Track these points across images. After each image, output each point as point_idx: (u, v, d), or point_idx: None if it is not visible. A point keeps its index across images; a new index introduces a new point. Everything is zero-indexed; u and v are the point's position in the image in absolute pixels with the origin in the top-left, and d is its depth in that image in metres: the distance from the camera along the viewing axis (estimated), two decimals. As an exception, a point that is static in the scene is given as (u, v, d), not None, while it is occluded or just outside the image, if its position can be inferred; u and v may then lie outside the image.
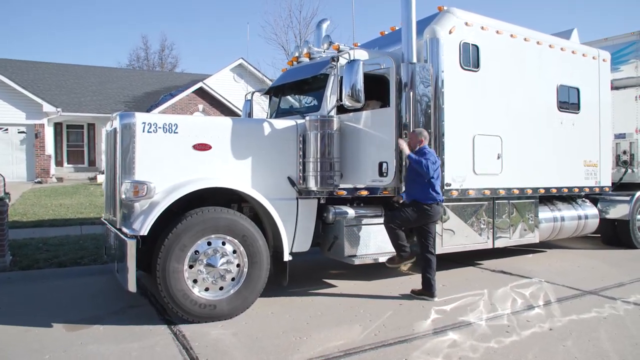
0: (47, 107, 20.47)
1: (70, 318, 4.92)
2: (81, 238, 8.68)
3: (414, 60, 5.99)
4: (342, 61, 5.64)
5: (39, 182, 19.86)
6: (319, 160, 5.48)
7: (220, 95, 24.42)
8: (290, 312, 5.14)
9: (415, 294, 5.68)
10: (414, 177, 5.53)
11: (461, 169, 6.47)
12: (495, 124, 6.87)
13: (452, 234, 6.50)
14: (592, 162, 8.39)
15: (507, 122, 7.02)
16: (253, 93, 7.83)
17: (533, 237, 7.56)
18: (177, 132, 5.04)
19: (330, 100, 5.76)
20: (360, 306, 5.34)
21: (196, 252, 4.79)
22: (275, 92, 7.13)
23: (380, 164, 5.92)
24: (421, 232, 5.68)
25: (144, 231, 4.56)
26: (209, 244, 4.86)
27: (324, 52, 6.57)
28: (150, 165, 4.87)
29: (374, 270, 6.70)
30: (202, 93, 24.54)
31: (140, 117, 4.90)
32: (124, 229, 4.73)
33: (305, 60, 6.61)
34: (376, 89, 6.02)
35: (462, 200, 6.57)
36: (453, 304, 5.43)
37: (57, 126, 23.77)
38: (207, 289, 4.84)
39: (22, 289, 6.04)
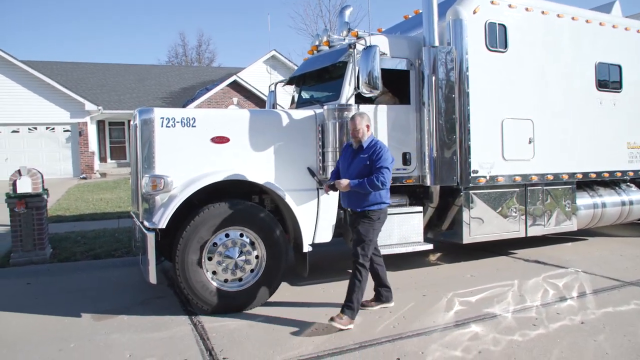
0: (89, 106, 21.25)
1: (99, 308, 5.09)
2: (117, 231, 8.97)
3: (436, 43, 5.79)
4: (360, 48, 5.50)
5: (84, 178, 20.70)
6: (337, 149, 5.38)
7: (254, 88, 24.63)
8: (309, 303, 5.11)
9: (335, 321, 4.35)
10: (362, 178, 4.48)
11: (489, 155, 6.22)
12: (526, 106, 6.55)
13: (481, 223, 6.28)
14: (637, 144, 7.88)
15: (540, 105, 6.68)
16: (276, 84, 7.79)
17: (570, 225, 7.19)
18: (195, 126, 5.07)
19: (348, 88, 5.64)
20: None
21: (214, 244, 4.83)
22: (296, 82, 7.07)
23: (404, 154, 5.87)
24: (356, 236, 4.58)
25: (162, 224, 4.63)
26: (227, 235, 4.89)
27: (344, 39, 6.44)
28: (169, 159, 4.92)
29: (400, 261, 6.56)
30: (236, 86, 24.85)
31: (158, 112, 4.96)
32: (145, 222, 4.82)
33: (325, 48, 6.51)
34: (397, 79, 5.89)
35: (490, 187, 6.32)
36: (479, 295, 5.26)
37: (100, 124, 24.70)
38: (226, 280, 4.89)
39: (59, 280, 6.30)
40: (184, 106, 23.59)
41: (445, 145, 5.85)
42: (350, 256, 4.52)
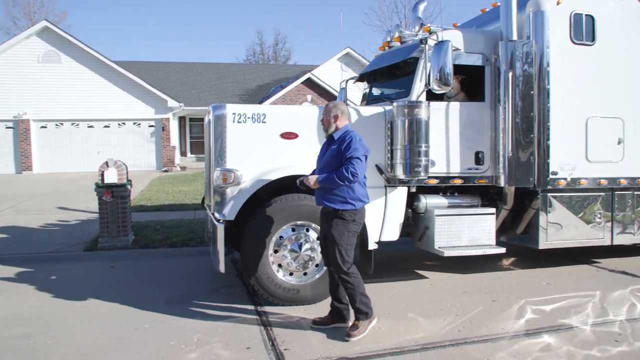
0: (171, 103, 22.51)
1: (172, 293, 5.39)
2: (192, 222, 9.41)
3: (514, 37, 5.51)
4: (432, 43, 5.36)
5: (166, 171, 21.97)
6: (407, 147, 5.28)
7: (328, 85, 24.81)
8: (373, 301, 5.00)
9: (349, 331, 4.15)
10: (334, 172, 4.11)
11: (570, 156, 5.82)
12: (616, 104, 6.04)
13: (559, 228, 5.89)
14: None
15: (632, 102, 6.13)
16: (347, 81, 7.78)
17: (665, 234, 6.55)
18: (265, 122, 5.19)
19: (419, 84, 5.51)
20: (448, 300, 5.09)
21: (280, 237, 4.93)
22: (367, 78, 7.03)
23: (477, 153, 5.66)
24: (330, 242, 4.19)
25: (231, 216, 4.80)
26: (293, 230, 4.97)
27: (416, 35, 6.31)
28: (240, 153, 5.08)
29: (469, 264, 6.34)
30: (310, 83, 25.18)
31: (230, 108, 5.14)
32: (216, 214, 5.02)
33: (397, 44, 6.40)
34: (470, 75, 5.68)
35: (571, 190, 5.91)
36: (554, 305, 4.94)
37: (181, 120, 26.08)
38: (291, 274, 4.97)
39: (139, 265, 6.76)
40: (259, 103, 24.27)
41: (521, 144, 5.55)
42: (333, 269, 4.23)
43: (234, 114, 5.10)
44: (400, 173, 5.33)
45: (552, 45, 5.62)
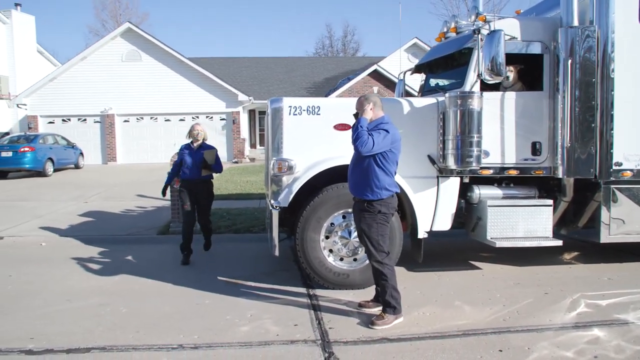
0: (241, 97, 23.47)
1: (232, 274, 5.82)
2: (256, 210, 9.91)
3: (575, 23, 5.31)
4: (485, 33, 5.31)
5: (236, 162, 22.96)
6: (458, 137, 5.30)
7: (394, 76, 24.55)
8: (422, 288, 5.18)
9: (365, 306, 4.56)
10: (362, 160, 4.23)
11: (638, 146, 5.53)
12: (691, 91, 5.64)
13: (624, 221, 5.62)
14: None
15: None
16: (405, 72, 7.83)
17: None
18: (319, 114, 5.43)
19: (472, 75, 5.48)
20: (498, 290, 5.08)
21: (332, 224, 5.16)
22: (423, 69, 7.04)
23: (534, 144, 5.55)
24: (361, 234, 4.38)
25: (285, 203, 5.10)
26: (344, 217, 5.18)
27: (473, 24, 6.23)
28: (295, 144, 5.36)
29: (528, 257, 6.22)
30: (377, 75, 25.10)
31: (287, 102, 5.42)
32: (272, 201, 5.35)
33: (453, 35, 6.37)
34: (529, 64, 5.56)
35: (638, 182, 5.62)
36: (611, 300, 4.77)
37: (251, 113, 27.05)
38: (341, 259, 5.20)
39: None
40: (326, 96, 24.62)
41: (581, 134, 5.37)
42: (367, 257, 4.40)
43: (290, 106, 5.38)
44: (451, 163, 5.37)
45: (618, 29, 5.36)
